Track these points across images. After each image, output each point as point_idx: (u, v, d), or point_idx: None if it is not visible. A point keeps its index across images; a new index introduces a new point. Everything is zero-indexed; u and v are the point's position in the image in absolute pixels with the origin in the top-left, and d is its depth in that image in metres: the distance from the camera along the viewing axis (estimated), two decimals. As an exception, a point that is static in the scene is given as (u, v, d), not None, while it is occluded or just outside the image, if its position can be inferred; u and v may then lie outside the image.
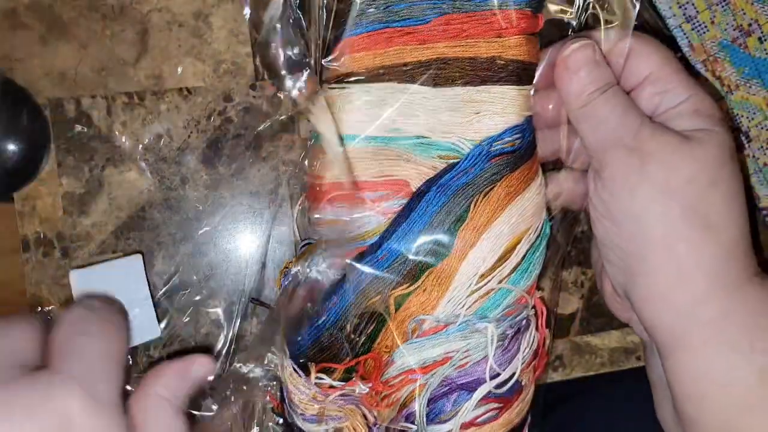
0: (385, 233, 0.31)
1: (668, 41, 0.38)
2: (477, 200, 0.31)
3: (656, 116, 0.31)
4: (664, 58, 0.31)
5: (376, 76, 0.31)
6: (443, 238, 0.31)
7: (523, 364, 0.33)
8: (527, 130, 0.32)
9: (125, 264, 0.35)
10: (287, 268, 0.36)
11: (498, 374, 0.33)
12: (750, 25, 0.40)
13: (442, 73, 0.31)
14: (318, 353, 0.32)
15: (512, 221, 0.32)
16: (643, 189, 0.29)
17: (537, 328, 0.35)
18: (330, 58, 0.32)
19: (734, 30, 0.40)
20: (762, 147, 0.41)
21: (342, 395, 0.31)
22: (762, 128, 0.41)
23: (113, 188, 0.37)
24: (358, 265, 0.31)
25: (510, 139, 0.32)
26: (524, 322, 0.34)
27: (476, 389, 0.32)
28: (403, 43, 0.31)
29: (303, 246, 0.36)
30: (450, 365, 0.32)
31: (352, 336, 0.32)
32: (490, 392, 0.32)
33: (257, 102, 0.37)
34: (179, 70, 0.37)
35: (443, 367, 0.32)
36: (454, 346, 0.32)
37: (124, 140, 0.37)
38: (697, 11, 0.40)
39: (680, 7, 0.39)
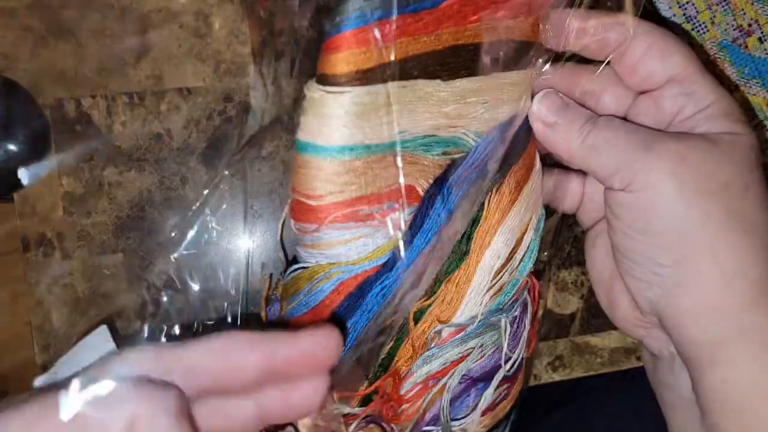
0: (398, 249, 0.29)
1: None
2: (490, 196, 0.30)
3: (684, 118, 0.30)
4: (688, 58, 0.30)
5: (377, 75, 0.27)
6: (461, 242, 0.30)
7: (527, 339, 0.33)
8: (523, 118, 0.31)
9: (90, 342, 0.29)
10: (271, 296, 0.34)
11: (510, 357, 0.32)
12: (750, 25, 0.40)
13: (451, 63, 0.29)
14: (335, 382, 0.30)
15: (521, 213, 0.31)
16: (682, 195, 0.28)
17: (531, 303, 0.34)
18: (321, 57, 0.28)
19: (734, 30, 0.40)
20: (763, 148, 0.41)
21: (363, 419, 0.31)
22: (763, 128, 0.41)
23: (113, 188, 0.37)
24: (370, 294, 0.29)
25: (512, 127, 0.30)
26: (524, 301, 0.33)
27: (492, 377, 0.32)
28: (410, 34, 0.27)
29: (294, 270, 0.32)
30: (467, 362, 0.31)
31: (370, 358, 0.30)
32: (503, 376, 0.32)
33: (257, 102, 0.37)
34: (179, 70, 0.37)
35: (461, 365, 0.31)
36: (470, 344, 0.31)
37: (124, 140, 0.37)
38: (697, 11, 0.40)
39: (680, 7, 0.39)
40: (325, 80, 0.27)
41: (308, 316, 0.30)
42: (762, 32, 0.40)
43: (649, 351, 0.33)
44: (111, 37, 0.36)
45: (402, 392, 0.31)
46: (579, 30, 0.31)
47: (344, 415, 0.30)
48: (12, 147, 0.34)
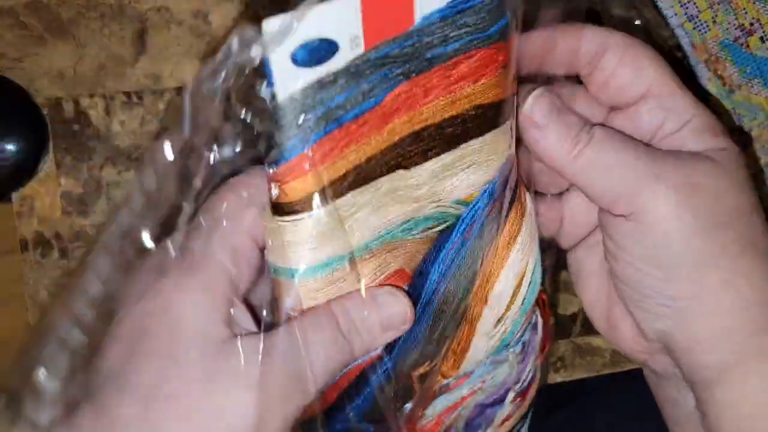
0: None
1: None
2: (483, 258, 0.29)
3: (666, 135, 0.29)
4: (662, 70, 0.28)
5: (333, 191, 0.25)
6: (456, 308, 0.29)
7: (535, 357, 0.33)
8: (512, 165, 0.29)
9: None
10: None
11: (519, 379, 0.33)
12: (752, 24, 0.40)
13: (416, 150, 0.27)
14: None
15: (516, 263, 0.30)
16: (698, 227, 0.26)
17: (542, 316, 0.34)
18: (269, 188, 0.25)
19: (736, 29, 0.40)
20: (764, 147, 0.41)
21: None
22: (764, 128, 0.41)
23: (112, 188, 0.36)
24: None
25: (500, 182, 0.28)
26: (533, 324, 0.33)
27: (504, 399, 0.32)
28: (357, 140, 0.25)
29: None
30: (478, 395, 0.32)
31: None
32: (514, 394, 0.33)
33: (257, 101, 0.37)
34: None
35: (472, 397, 0.32)
36: (479, 380, 0.32)
37: (122, 140, 0.36)
38: (699, 10, 0.39)
39: (682, 6, 0.39)
40: (279, 210, 0.26)
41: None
42: (764, 31, 0.40)
43: (652, 370, 0.32)
44: (109, 36, 0.36)
45: (418, 428, 0.32)
46: (550, 49, 0.29)
47: None
48: (10, 147, 0.34)
